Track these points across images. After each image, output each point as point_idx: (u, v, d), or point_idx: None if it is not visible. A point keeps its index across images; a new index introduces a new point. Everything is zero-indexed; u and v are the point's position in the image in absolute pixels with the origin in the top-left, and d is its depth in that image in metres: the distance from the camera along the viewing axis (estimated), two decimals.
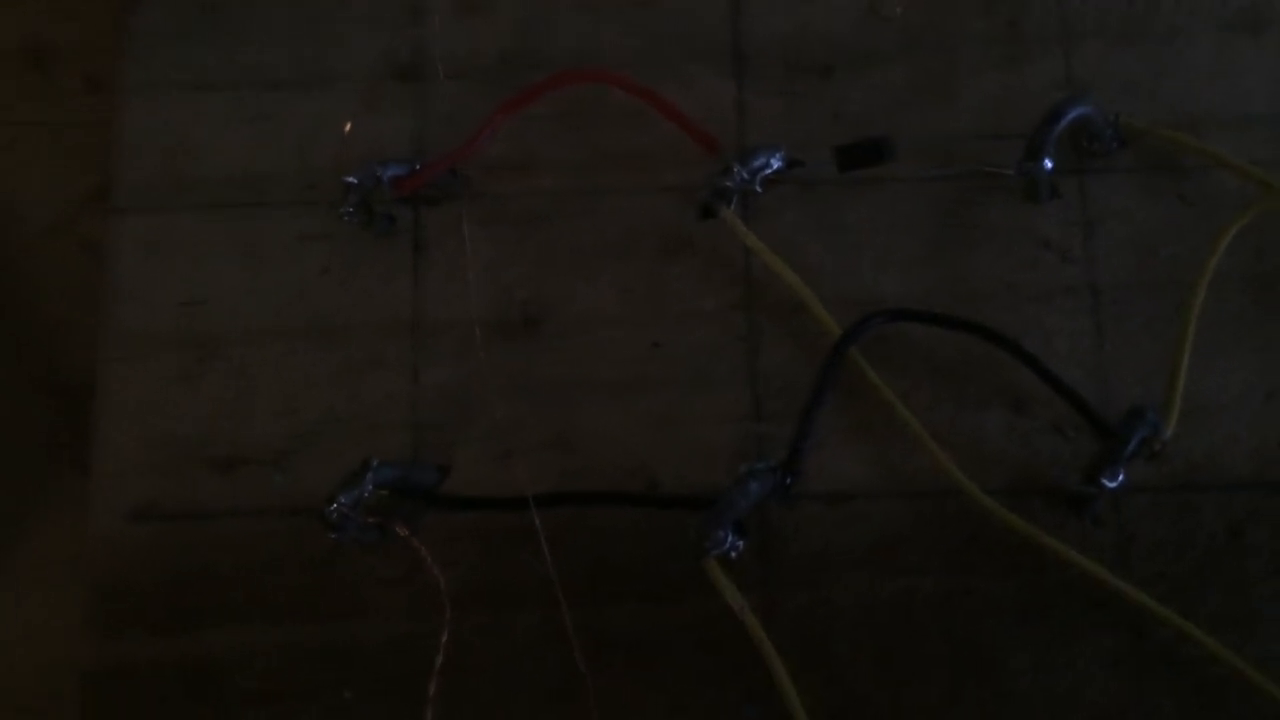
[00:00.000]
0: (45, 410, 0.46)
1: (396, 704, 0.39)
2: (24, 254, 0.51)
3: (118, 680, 0.40)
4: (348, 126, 0.45)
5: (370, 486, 0.39)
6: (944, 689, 0.39)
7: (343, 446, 0.41)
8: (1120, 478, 0.38)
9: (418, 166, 0.43)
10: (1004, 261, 0.41)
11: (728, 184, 0.42)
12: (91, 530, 0.41)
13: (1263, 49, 0.41)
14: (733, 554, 0.38)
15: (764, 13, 0.43)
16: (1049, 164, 0.41)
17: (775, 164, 0.41)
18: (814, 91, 0.44)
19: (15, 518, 0.46)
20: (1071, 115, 0.39)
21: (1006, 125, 0.42)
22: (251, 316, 0.43)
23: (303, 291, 0.43)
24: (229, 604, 0.41)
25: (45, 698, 0.43)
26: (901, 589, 0.39)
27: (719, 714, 0.39)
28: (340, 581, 0.40)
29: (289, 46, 0.46)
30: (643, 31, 0.44)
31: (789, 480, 0.39)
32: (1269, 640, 0.38)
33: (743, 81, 0.44)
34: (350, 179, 0.42)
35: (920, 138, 0.43)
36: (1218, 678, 0.39)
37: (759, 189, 0.42)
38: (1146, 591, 0.37)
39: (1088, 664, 0.39)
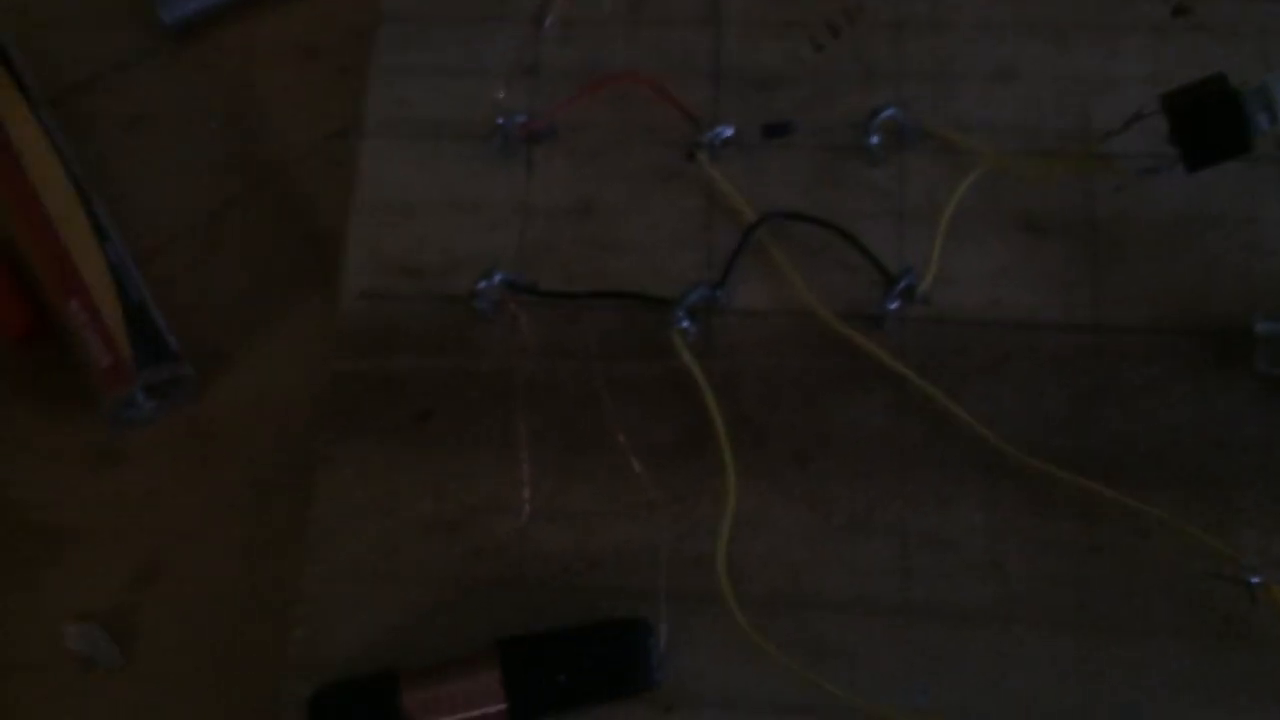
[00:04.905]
0: (307, 252, 0.66)
1: (497, 400, 0.59)
2: (296, 162, 0.68)
3: (347, 381, 0.60)
4: (500, 94, 0.64)
5: (495, 281, 0.60)
6: (793, 412, 0.58)
7: (479, 265, 0.60)
8: (895, 304, 0.57)
9: (532, 119, 0.63)
10: (853, 194, 0.61)
11: (700, 142, 0.62)
12: (340, 306, 0.61)
13: (1013, 91, 0.63)
14: (689, 333, 0.57)
15: (732, 53, 0.65)
16: (875, 139, 0.61)
17: (727, 133, 0.62)
18: (752, 96, 0.63)
19: (291, 304, 0.65)
20: (884, 114, 0.60)
21: (853, 117, 0.62)
22: (433, 194, 0.63)
23: (464, 185, 0.63)
24: (406, 343, 0.60)
25: (310, 397, 0.62)
26: (776, 364, 0.59)
27: (673, 412, 0.58)
28: (474, 335, 0.60)
29: (465, 52, 0.66)
30: (660, 54, 0.65)
31: (717, 294, 0.59)
32: (974, 400, 0.57)
33: (718, 87, 0.64)
34: (500, 120, 0.63)
35: (818, 124, 0.63)
36: (938, 411, 0.56)
37: (718, 146, 0.62)
38: (914, 370, 0.57)
39: (871, 407, 0.58)
